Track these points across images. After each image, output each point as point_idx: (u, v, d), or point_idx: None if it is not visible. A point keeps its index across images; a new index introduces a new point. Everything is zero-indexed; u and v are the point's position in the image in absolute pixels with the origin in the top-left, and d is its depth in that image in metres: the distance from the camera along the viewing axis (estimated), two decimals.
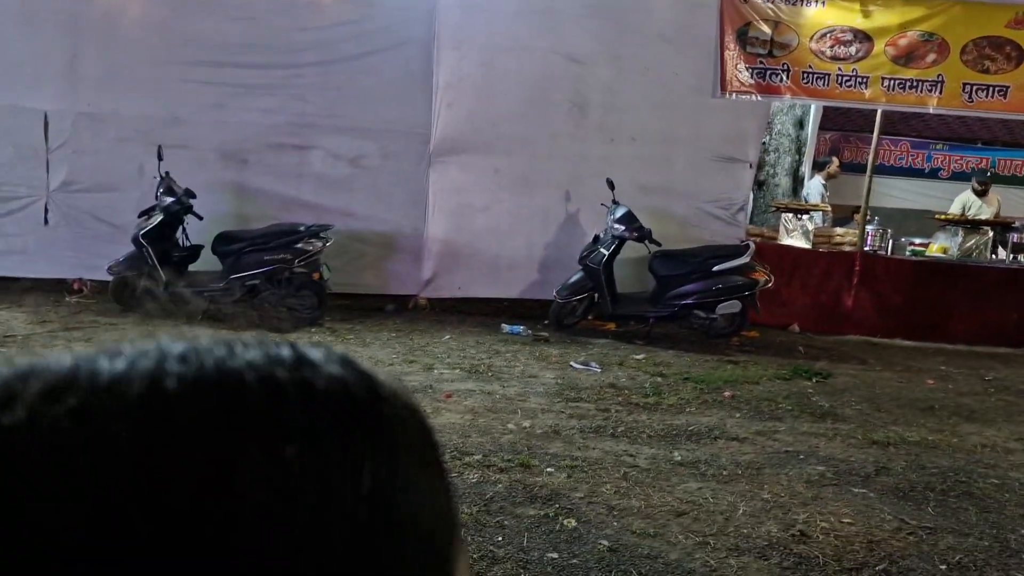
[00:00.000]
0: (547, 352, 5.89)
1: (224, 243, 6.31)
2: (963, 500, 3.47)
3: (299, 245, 6.18)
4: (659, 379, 5.30)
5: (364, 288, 7.15)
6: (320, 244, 6.23)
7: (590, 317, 6.94)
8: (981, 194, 8.66)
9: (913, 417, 4.77)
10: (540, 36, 7.07)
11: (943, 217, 8.18)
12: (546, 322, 6.77)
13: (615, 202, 6.70)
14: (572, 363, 5.56)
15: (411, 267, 7.21)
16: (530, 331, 6.49)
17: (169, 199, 6.18)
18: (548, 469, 3.42)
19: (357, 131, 7.04)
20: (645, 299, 6.83)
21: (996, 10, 7.04)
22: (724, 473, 3.56)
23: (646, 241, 6.61)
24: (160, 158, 6.22)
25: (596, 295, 6.67)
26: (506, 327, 6.55)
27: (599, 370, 5.44)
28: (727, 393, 5.00)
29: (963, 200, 8.71)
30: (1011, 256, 7.66)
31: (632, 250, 6.86)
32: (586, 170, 7.17)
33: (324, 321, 6.24)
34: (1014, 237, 7.67)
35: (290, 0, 6.89)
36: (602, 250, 6.62)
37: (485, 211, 7.26)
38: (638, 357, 5.93)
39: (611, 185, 6.68)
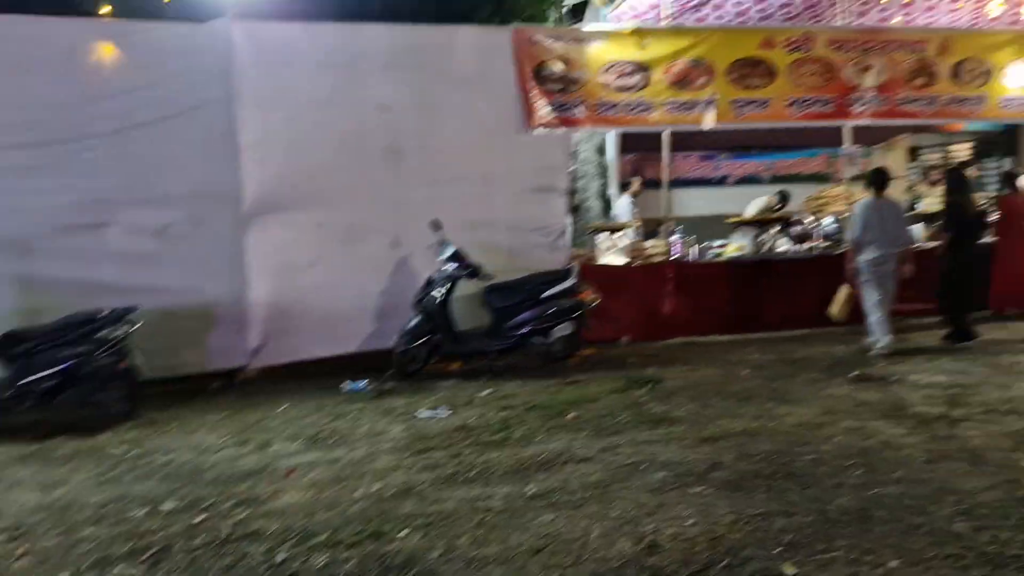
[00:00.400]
0: (393, 405, 5.82)
1: (10, 345, 5.60)
2: (787, 481, 3.79)
3: (101, 334, 5.63)
4: (506, 412, 5.39)
5: (185, 368, 6.66)
6: (126, 329, 5.72)
7: (434, 360, 6.93)
8: (776, 210, 9.56)
9: (735, 408, 5.18)
10: (347, 87, 7.06)
11: (735, 220, 9.04)
12: (390, 372, 6.70)
13: (443, 242, 6.79)
14: (419, 412, 5.52)
15: (236, 337, 6.85)
16: (374, 385, 6.39)
17: None
18: (402, 532, 3.35)
19: (160, 200, 6.64)
20: (485, 333, 6.95)
21: (748, 34, 8.07)
22: (575, 498, 3.67)
23: (477, 277, 6.74)
24: None
25: (437, 337, 6.71)
26: (348, 385, 6.40)
27: (447, 414, 5.44)
28: (570, 415, 5.18)
29: (759, 206, 9.59)
30: (797, 247, 8.58)
31: (467, 286, 6.96)
32: (412, 214, 7.18)
33: (140, 413, 5.74)
34: (797, 229, 8.61)
35: (72, 72, 6.42)
36: (436, 291, 6.69)
37: (312, 267, 7.08)
38: (484, 393, 6.01)
39: (437, 226, 6.76)
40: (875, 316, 6.79)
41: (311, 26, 7.18)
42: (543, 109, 7.46)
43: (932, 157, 20.33)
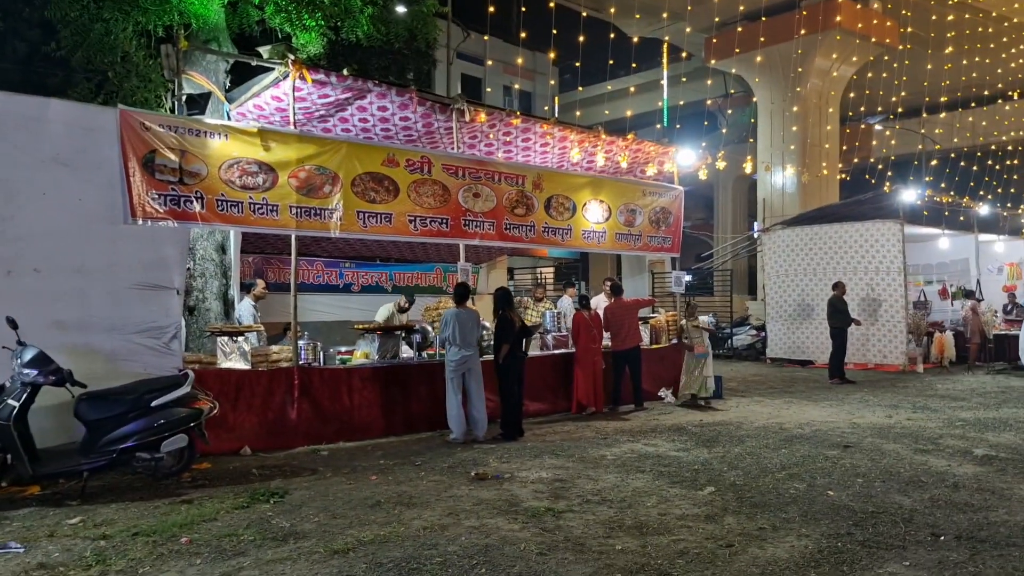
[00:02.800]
0: None
1: None
2: None
3: None
4: (102, 543, 4.60)
5: None
6: None
7: (4, 484, 5.80)
8: (403, 311, 10.02)
9: (365, 516, 5.14)
10: None
11: (360, 327, 9.26)
12: None
13: (21, 343, 5.73)
14: None
15: None
16: None
17: None
18: None
19: None
20: (75, 450, 5.95)
21: (373, 150, 8.51)
22: None
23: (66, 384, 5.77)
24: None
25: (8, 456, 5.60)
26: None
27: (22, 550, 4.48)
28: (184, 539, 4.62)
29: (387, 311, 9.98)
30: (417, 354, 9.07)
31: (52, 396, 5.95)
32: None
33: None
34: (418, 338, 9.12)
35: None
36: (10, 401, 5.64)
37: None
38: (73, 522, 5.06)
39: (13, 324, 5.73)
40: (453, 410, 7.97)
41: None
42: (153, 200, 6.86)
43: (524, 277, 23.80)
